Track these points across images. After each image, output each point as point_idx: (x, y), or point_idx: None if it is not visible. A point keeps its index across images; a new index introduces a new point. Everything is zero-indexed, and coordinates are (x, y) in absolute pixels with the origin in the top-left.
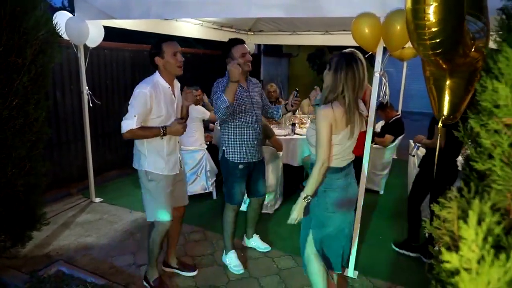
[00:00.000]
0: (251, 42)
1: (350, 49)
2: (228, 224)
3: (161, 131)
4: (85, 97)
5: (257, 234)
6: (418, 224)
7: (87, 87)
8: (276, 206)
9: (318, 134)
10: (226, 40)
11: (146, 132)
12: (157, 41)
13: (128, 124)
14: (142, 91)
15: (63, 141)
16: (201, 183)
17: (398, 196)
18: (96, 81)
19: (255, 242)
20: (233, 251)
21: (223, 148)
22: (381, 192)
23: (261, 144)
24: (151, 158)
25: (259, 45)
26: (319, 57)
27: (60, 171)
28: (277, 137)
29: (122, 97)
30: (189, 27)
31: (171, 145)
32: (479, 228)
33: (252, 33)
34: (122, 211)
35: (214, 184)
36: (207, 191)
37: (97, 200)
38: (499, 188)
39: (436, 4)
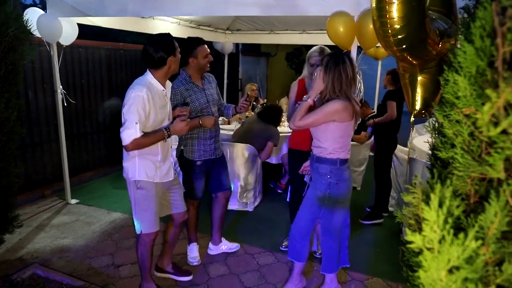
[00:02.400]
0: (229, 41)
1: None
2: (190, 219)
3: (165, 133)
4: (59, 96)
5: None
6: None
7: (61, 86)
8: (256, 204)
9: (319, 112)
10: (204, 38)
11: (150, 138)
12: (169, 37)
13: (131, 134)
14: (139, 94)
15: (37, 141)
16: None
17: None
18: (70, 80)
19: (225, 246)
20: (195, 243)
21: (181, 147)
22: (358, 188)
23: (219, 141)
24: (143, 165)
25: (237, 44)
26: (297, 56)
27: (34, 173)
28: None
29: (98, 96)
30: (167, 26)
31: (165, 149)
32: (440, 210)
33: (230, 32)
34: (99, 212)
35: None
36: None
37: (73, 201)
38: (460, 174)
39: (398, 2)
